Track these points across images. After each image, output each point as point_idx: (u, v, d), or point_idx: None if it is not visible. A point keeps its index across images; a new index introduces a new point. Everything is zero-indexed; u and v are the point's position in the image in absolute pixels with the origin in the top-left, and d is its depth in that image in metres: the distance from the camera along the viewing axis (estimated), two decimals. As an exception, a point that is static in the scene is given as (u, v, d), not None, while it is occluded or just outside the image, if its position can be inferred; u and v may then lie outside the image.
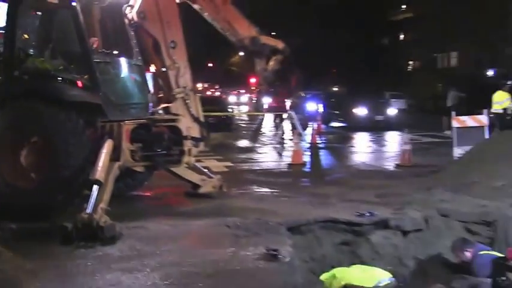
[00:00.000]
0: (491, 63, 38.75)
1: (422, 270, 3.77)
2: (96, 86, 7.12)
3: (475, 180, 8.63)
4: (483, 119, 13.15)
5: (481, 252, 5.90)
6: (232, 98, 47.31)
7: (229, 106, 40.13)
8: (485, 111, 13.67)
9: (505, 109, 16.12)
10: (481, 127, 13.01)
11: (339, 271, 5.47)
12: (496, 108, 16.46)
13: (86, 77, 7.21)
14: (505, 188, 8.17)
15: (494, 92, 16.10)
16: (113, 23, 8.25)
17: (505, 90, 16.57)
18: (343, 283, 4.71)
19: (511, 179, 8.28)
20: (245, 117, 35.42)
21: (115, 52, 8.11)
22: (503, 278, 3.93)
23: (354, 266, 6.02)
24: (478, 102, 21.30)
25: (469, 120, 13.21)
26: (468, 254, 5.94)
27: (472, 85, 34.84)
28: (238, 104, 44.07)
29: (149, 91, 8.51)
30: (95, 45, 7.59)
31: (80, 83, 7.19)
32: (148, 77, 9.08)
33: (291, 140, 15.52)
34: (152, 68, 9.39)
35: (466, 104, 22.97)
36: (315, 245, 7.07)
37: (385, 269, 5.58)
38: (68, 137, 6.72)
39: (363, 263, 6.85)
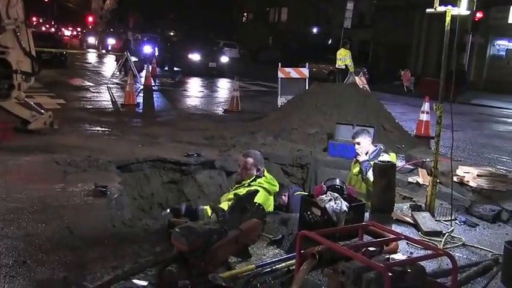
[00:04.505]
0: (316, 22, 41.60)
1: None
2: None
3: (293, 127, 9.38)
4: (305, 71, 14.00)
5: (295, 194, 6.49)
6: (91, 39, 42.29)
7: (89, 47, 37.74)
8: (307, 64, 14.62)
9: (346, 65, 17.71)
10: (303, 79, 13.88)
11: None
12: (339, 64, 18.00)
13: None
14: (317, 134, 9.07)
15: (317, 47, 17.51)
16: None
17: (346, 48, 18.12)
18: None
19: (323, 126, 9.17)
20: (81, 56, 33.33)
21: None
22: (309, 213, 4.58)
23: None
24: (303, 55, 23.02)
25: (293, 72, 13.98)
26: (284, 198, 6.54)
27: (298, 40, 37.33)
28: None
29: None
30: None
31: None
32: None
33: (125, 80, 15.28)
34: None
35: (294, 56, 24.53)
36: (144, 183, 7.28)
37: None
38: None
39: (188, 200, 7.32)
